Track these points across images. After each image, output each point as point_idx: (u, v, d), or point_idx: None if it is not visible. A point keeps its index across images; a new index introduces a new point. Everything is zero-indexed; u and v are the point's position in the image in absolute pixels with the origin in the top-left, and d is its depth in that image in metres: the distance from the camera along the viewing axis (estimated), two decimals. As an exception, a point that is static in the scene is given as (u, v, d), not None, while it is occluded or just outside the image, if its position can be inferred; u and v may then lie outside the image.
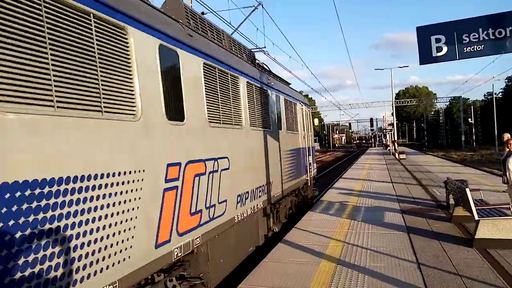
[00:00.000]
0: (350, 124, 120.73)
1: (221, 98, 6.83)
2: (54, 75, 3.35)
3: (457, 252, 6.90)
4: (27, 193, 2.98)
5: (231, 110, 7.28)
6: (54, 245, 3.23)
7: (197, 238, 5.67)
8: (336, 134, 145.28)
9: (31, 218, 3.00)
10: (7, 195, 2.81)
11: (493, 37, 7.39)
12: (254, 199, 8.30)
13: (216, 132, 6.55)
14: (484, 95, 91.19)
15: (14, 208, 2.87)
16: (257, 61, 10.80)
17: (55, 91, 3.34)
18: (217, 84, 6.72)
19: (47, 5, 3.34)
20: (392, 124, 54.57)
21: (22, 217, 2.92)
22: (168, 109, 5.04)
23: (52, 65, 3.34)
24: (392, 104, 48.60)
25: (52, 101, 3.30)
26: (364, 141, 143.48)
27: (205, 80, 6.25)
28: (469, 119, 67.19)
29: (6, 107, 2.87)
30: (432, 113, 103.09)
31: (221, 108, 6.85)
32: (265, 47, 21.10)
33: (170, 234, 4.94)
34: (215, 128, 6.49)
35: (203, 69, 6.24)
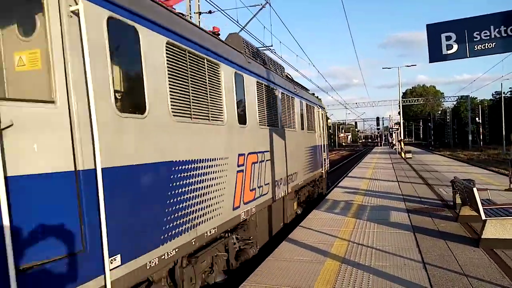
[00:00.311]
0: (356, 123, 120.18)
1: (266, 105, 9.00)
2: (192, 100, 5.52)
3: (464, 252, 6.84)
4: (182, 167, 5.13)
5: (271, 114, 9.43)
6: (189, 200, 5.27)
7: (253, 208, 7.76)
8: (342, 133, 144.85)
9: (183, 182, 5.14)
10: (177, 168, 5.03)
11: (505, 35, 7.24)
12: (285, 185, 10.35)
13: (263, 131, 8.69)
14: (492, 94, 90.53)
15: (181, 174, 5.10)
16: (284, 73, 12.59)
17: (192, 109, 5.50)
18: (263, 95, 8.85)
19: (189, 55, 5.54)
20: (398, 123, 54.27)
21: (179, 180, 5.06)
22: (239, 116, 7.20)
23: (192, 93, 5.52)
24: (399, 103, 48.33)
25: (190, 114, 5.45)
26: (370, 140, 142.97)
27: (257, 93, 8.41)
28: (477, 119, 66.70)
29: (176, 118, 5.07)
30: (439, 112, 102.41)
31: (266, 113, 8.97)
32: (272, 46, 21.04)
33: (239, 202, 7.09)
34: (262, 128, 8.63)
35: (256, 85, 8.40)
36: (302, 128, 12.98)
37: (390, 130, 76.83)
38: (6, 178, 2.81)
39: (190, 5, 20.50)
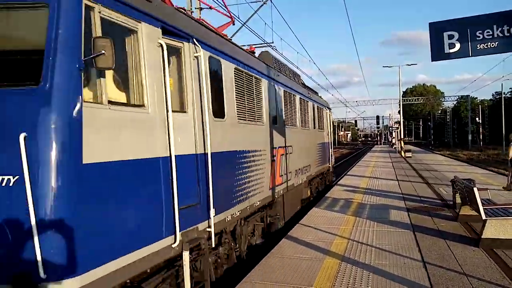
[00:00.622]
0: (356, 121, 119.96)
1: (289, 108, 11.38)
2: (246, 106, 7.67)
3: (463, 251, 6.84)
4: (242, 155, 7.28)
5: (293, 115, 11.91)
6: (245, 178, 7.44)
7: (281, 190, 10.03)
8: (342, 131, 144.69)
9: (243, 165, 7.31)
10: (240, 155, 7.17)
11: (508, 34, 7.18)
12: (301, 174, 12.60)
13: (288, 129, 10.92)
14: (493, 94, 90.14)
15: (242, 160, 7.27)
16: (300, 81, 14.97)
17: (247, 113, 7.67)
18: (287, 101, 11.25)
19: (245, 75, 7.76)
20: (398, 122, 54.20)
21: (241, 164, 7.25)
22: (272, 118, 9.40)
23: (246, 101, 7.68)
24: (399, 102, 48.30)
25: (245, 117, 7.58)
26: (369, 139, 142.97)
27: (283, 99, 10.74)
28: (477, 119, 66.69)
29: (239, 120, 7.21)
30: (440, 112, 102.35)
31: (289, 114, 11.33)
32: (272, 43, 21.02)
33: (273, 184, 9.27)
34: (287, 127, 10.90)
35: (283, 93, 10.82)
36: (314, 127, 15.52)
37: (390, 129, 76.84)
38: (172, 156, 4.79)
39: (191, 0, 20.44)
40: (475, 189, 7.48)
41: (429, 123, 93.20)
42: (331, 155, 19.95)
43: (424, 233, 8.14)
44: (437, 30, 7.62)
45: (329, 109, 20.82)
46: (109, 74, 4.17)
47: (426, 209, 10.63)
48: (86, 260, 3.52)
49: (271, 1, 19.86)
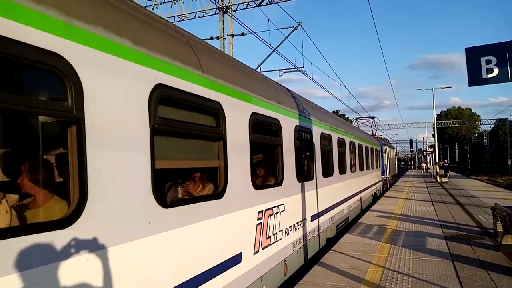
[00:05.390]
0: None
1: (388, 152, 34.45)
2: (390, 156, 40.24)
3: (508, 284, 6.49)
4: (384, 165, 29.87)
5: (389, 153, 36.63)
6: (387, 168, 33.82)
7: (388, 177, 32.41)
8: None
9: (387, 167, 32.99)
10: (384, 166, 29.96)
11: (549, 59, 6.96)
12: (389, 174, 34.49)
13: (388, 159, 33.06)
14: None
15: (386, 167, 31.40)
16: (388, 141, 45.29)
17: (388, 157, 35.95)
18: (387, 150, 34.15)
19: (387, 148, 37.51)
20: (433, 146, 52.75)
21: (387, 167, 32.76)
22: (388, 154, 34.26)
23: (389, 154, 40.69)
24: (434, 125, 47.18)
25: (387, 158, 34.83)
26: (402, 163, 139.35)
27: (388, 150, 35.12)
28: (516, 143, 63.91)
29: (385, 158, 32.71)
30: (476, 135, 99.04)
31: (387, 153, 33.48)
32: (303, 67, 21.22)
33: (388, 173, 32.40)
34: (389, 158, 35.54)
35: (386, 148, 33.43)
36: (392, 158, 38.20)
37: (424, 152, 74.89)
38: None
39: (223, 28, 21.02)
40: (518, 218, 7.16)
41: (466, 147, 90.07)
42: (396, 168, 46.19)
43: (463, 262, 7.80)
44: (473, 55, 7.44)
45: (393, 148, 45.78)
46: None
47: (465, 237, 10.20)
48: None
49: (302, 27, 20.15)
